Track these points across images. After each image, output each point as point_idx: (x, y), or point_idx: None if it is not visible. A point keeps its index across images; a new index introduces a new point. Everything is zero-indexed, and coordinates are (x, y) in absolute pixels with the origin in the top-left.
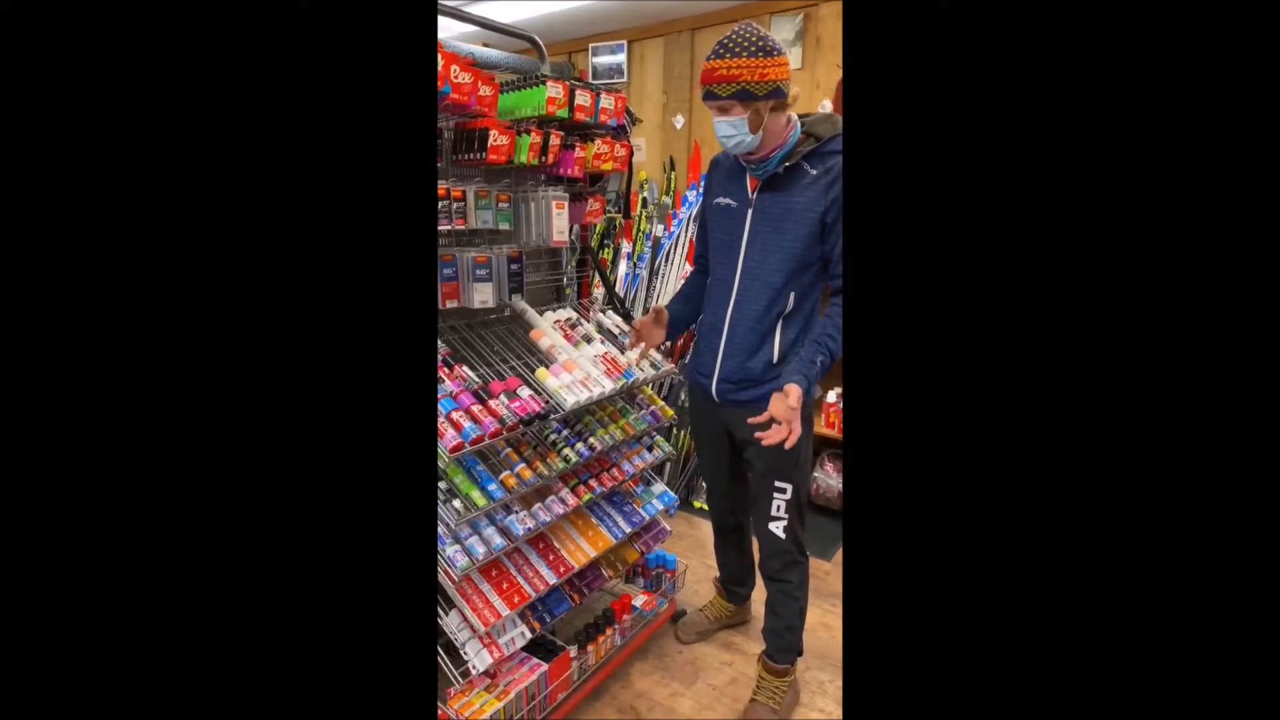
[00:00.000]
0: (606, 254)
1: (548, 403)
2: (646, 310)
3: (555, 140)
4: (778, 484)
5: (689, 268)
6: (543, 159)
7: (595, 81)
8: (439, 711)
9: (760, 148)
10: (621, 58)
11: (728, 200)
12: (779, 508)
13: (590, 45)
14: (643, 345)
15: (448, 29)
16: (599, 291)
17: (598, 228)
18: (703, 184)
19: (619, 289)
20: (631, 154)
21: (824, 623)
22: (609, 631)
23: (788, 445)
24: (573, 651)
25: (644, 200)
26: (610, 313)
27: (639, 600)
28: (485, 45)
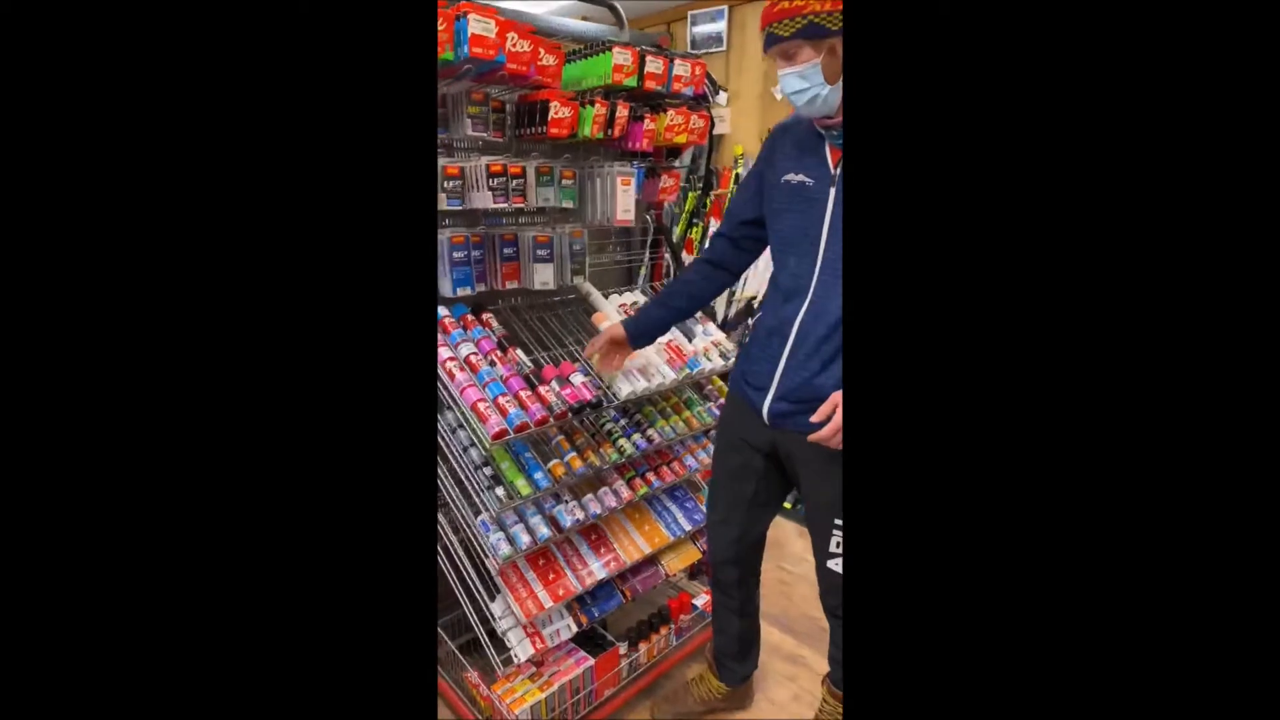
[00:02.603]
0: (696, 233)
1: (602, 391)
2: (731, 299)
3: (622, 112)
4: (838, 520)
5: None
6: (609, 132)
7: (693, 51)
8: (482, 695)
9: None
10: (721, 25)
11: (801, 177)
12: (839, 544)
13: (689, 13)
14: (599, 362)
15: (540, 7)
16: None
17: (686, 205)
18: (761, 153)
19: None
20: (712, 125)
21: None
22: (663, 630)
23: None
24: (623, 648)
25: (737, 175)
26: None
27: (700, 600)
28: (584, 19)
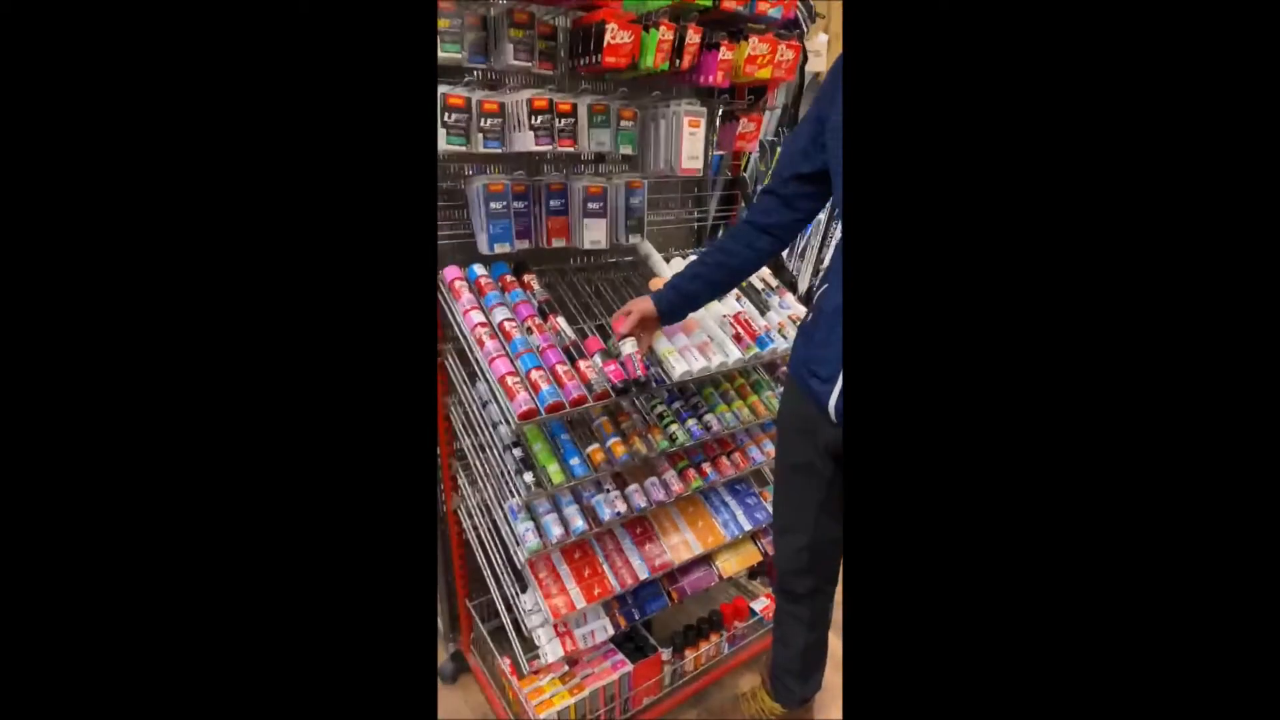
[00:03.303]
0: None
1: (653, 369)
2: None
3: (693, 37)
4: None
5: None
6: (676, 62)
7: None
8: (510, 689)
9: None
10: None
11: None
12: None
13: None
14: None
15: None
16: None
17: (774, 160)
18: (823, 90)
19: None
20: (804, 58)
21: None
22: (714, 638)
23: None
24: (666, 654)
25: None
26: None
27: (760, 604)
28: None
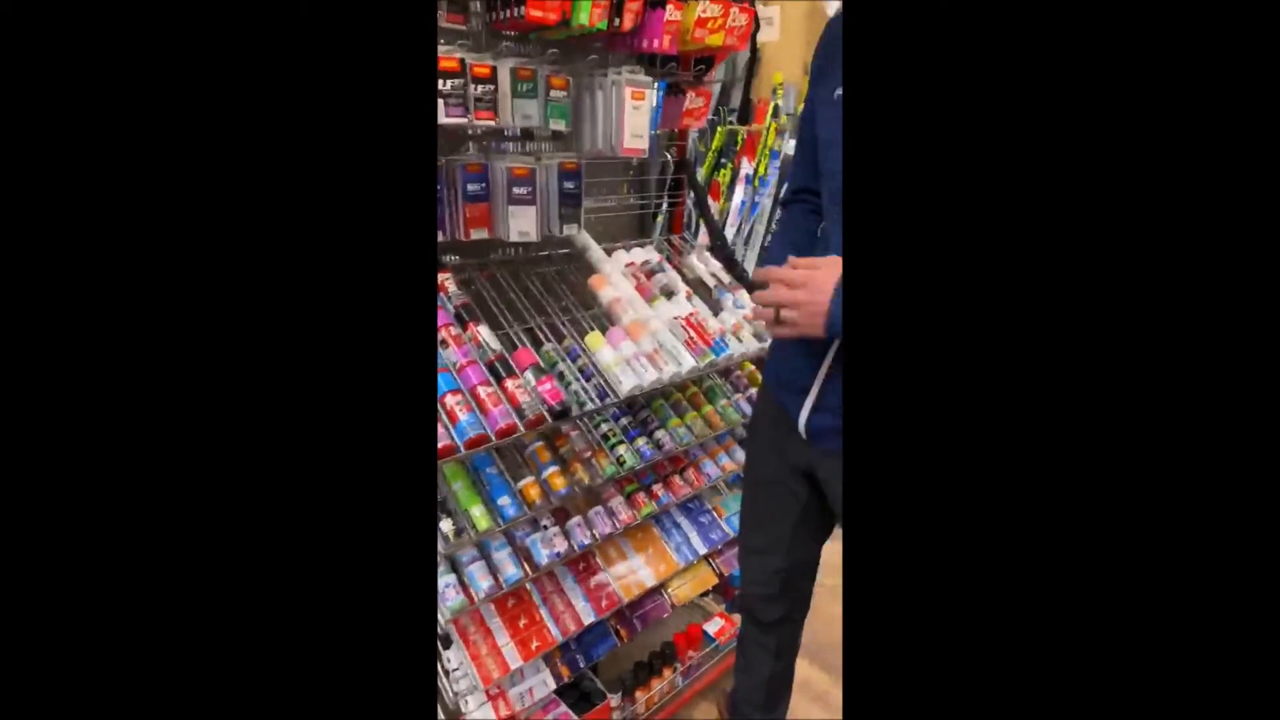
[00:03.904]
0: (724, 176)
1: (595, 380)
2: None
3: None
4: None
5: None
6: (616, 22)
7: None
8: None
9: None
10: None
11: None
12: None
13: None
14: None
15: None
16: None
17: (714, 141)
18: (814, 64)
19: (730, 222)
20: (756, 26)
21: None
22: (666, 674)
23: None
24: (615, 700)
25: (775, 108)
26: (708, 255)
27: (714, 626)
28: None
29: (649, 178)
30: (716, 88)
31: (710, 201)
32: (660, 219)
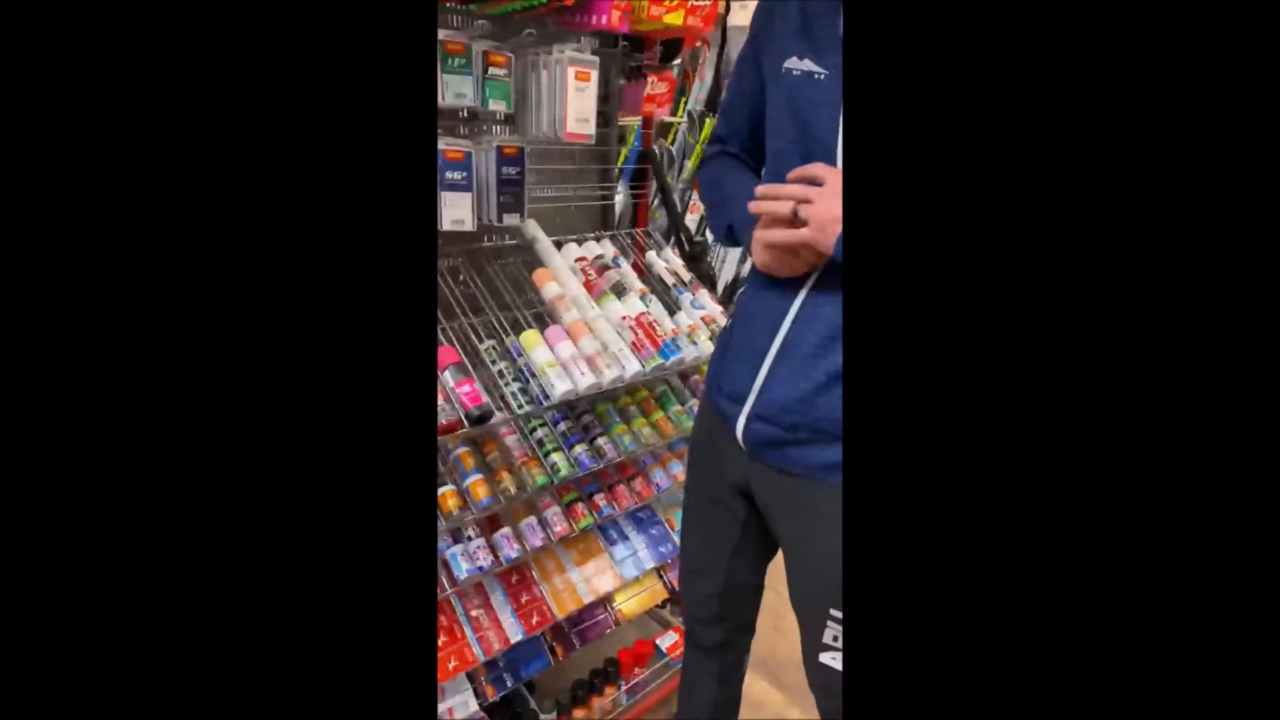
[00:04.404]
0: (692, 164)
1: (531, 382)
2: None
3: None
4: (834, 611)
5: None
6: None
7: None
8: None
9: None
10: None
11: (806, 65)
12: (836, 637)
13: None
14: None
15: None
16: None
17: (703, 134)
18: (755, 22)
19: (692, 216)
20: (726, 8)
21: None
22: (609, 691)
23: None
24: None
25: None
26: (668, 251)
27: (667, 640)
28: None
29: (610, 167)
30: (702, 83)
31: (694, 197)
32: (618, 210)
